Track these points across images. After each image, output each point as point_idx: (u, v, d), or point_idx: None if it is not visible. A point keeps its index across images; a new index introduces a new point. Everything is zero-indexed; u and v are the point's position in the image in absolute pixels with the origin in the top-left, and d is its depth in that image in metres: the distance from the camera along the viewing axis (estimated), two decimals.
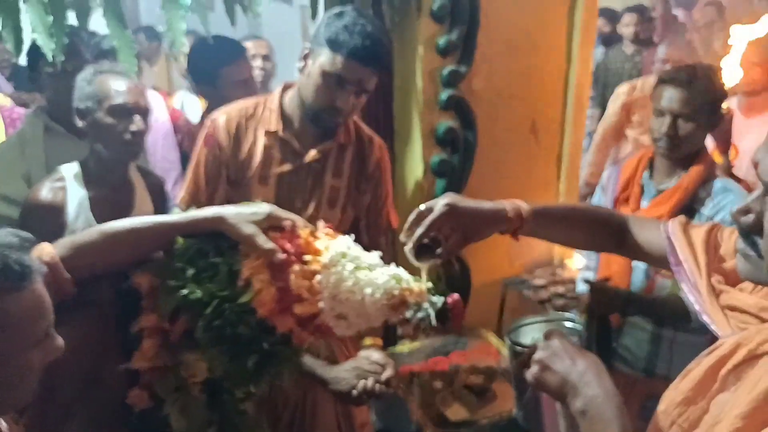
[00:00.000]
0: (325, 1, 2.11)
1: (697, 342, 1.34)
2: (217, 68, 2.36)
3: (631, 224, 1.19)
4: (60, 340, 0.84)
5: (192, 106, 3.17)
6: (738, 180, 1.91)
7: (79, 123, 1.70)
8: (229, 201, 1.64)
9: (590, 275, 1.98)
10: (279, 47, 3.35)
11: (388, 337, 2.05)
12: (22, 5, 1.60)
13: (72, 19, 1.68)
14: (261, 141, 1.61)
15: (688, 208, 1.74)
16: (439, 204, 1.04)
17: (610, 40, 4.68)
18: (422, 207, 1.06)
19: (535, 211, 1.12)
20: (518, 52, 2.46)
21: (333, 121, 1.57)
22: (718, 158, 2.18)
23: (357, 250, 1.10)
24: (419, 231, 1.03)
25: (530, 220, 1.11)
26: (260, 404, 1.75)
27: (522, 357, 0.98)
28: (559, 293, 2.53)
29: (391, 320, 1.07)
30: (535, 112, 2.59)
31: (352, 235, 1.14)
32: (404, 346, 2.42)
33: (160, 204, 1.91)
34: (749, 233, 0.77)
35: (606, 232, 1.20)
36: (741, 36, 2.37)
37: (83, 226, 1.69)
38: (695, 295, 1.00)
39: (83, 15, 1.71)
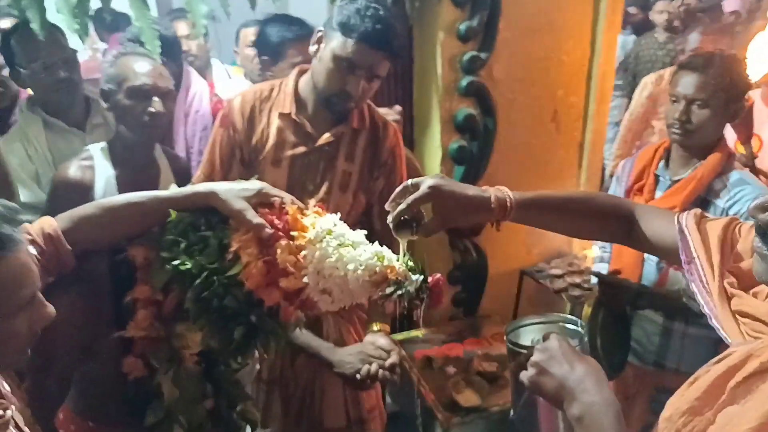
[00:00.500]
0: None
1: (709, 336, 1.31)
2: (283, 46, 2.34)
3: (640, 214, 1.15)
4: (50, 308, 0.86)
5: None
6: (759, 173, 1.87)
7: (104, 104, 1.73)
8: None
9: (604, 267, 1.96)
10: None
11: (402, 322, 2.06)
12: None
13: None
14: (275, 123, 1.62)
15: (703, 199, 1.71)
16: (424, 185, 1.05)
17: (641, 27, 4.56)
18: (409, 182, 1.07)
19: (521, 202, 1.09)
20: (540, 38, 2.43)
21: (344, 106, 1.58)
22: (740, 148, 2.13)
23: (343, 227, 1.13)
24: (401, 207, 1.04)
25: (516, 210, 1.08)
26: (272, 385, 1.80)
27: (520, 358, 0.97)
28: (576, 283, 2.51)
29: (373, 297, 1.09)
30: (557, 99, 2.56)
31: (338, 214, 1.17)
32: (419, 332, 2.44)
33: (185, 185, 1.92)
34: (767, 232, 0.74)
35: (610, 222, 1.16)
36: None
37: None
38: (705, 297, 0.95)
39: None
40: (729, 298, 0.91)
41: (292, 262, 1.07)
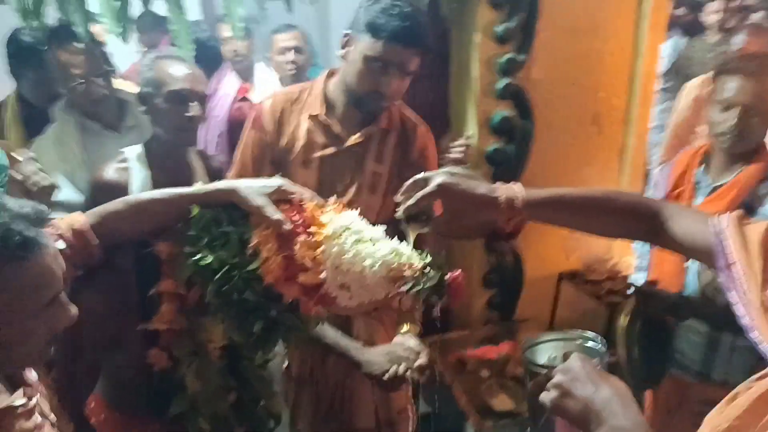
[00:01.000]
0: None
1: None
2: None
3: (668, 213, 1.09)
4: (73, 310, 0.88)
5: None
6: None
7: (141, 107, 1.78)
8: None
9: (642, 276, 1.90)
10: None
11: (435, 323, 2.04)
12: None
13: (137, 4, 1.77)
14: (304, 125, 1.64)
15: (747, 205, 1.63)
16: (434, 182, 1.04)
17: (692, 28, 4.42)
18: (420, 176, 1.08)
19: (533, 201, 1.06)
20: (581, 39, 2.39)
21: (377, 106, 1.58)
22: None
23: (361, 224, 1.13)
24: (409, 203, 1.05)
25: (527, 209, 1.05)
26: (302, 384, 1.81)
27: (539, 378, 0.94)
28: (614, 290, 2.45)
29: (391, 293, 1.09)
30: (598, 101, 2.51)
31: (358, 209, 1.18)
32: (454, 333, 2.43)
33: None
34: None
35: (633, 221, 1.11)
36: None
37: None
38: (744, 306, 0.88)
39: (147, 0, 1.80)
40: None
41: (311, 257, 1.09)
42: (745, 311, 0.87)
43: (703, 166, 1.77)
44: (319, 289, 1.10)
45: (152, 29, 3.23)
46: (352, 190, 1.65)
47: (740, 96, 1.62)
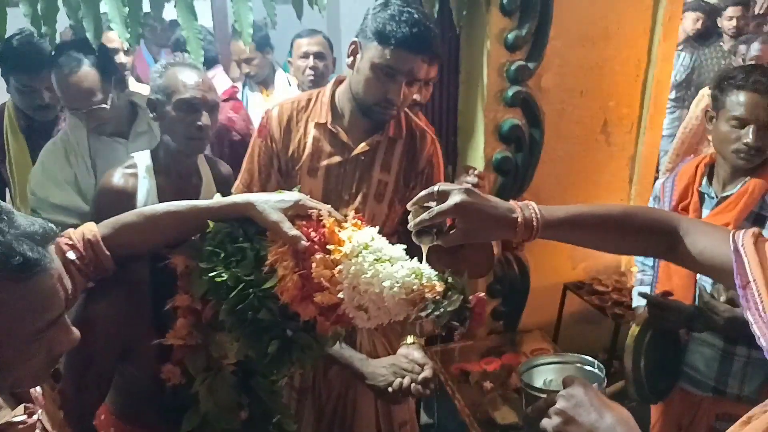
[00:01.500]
0: None
1: None
2: None
3: (687, 229, 1.06)
4: (74, 333, 0.85)
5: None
6: None
7: (150, 114, 1.76)
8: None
9: (645, 290, 1.87)
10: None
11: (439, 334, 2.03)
12: None
13: (147, 9, 1.75)
14: (311, 133, 1.62)
15: (757, 215, 1.61)
16: (452, 200, 1.01)
17: (706, 36, 4.38)
18: (436, 188, 1.03)
19: (550, 221, 1.03)
20: (593, 47, 2.36)
21: (386, 114, 1.55)
22: None
23: (381, 242, 1.08)
24: (423, 216, 1.01)
25: (545, 230, 1.03)
26: (304, 394, 1.80)
27: (539, 404, 0.92)
28: (620, 301, 2.43)
29: (411, 316, 1.04)
30: (608, 110, 2.48)
31: (377, 227, 1.13)
32: (457, 343, 2.41)
33: (227, 194, 1.94)
34: None
35: (652, 239, 1.09)
36: None
37: None
38: (762, 327, 0.86)
39: (158, 6, 1.78)
40: None
41: (327, 276, 1.04)
42: (762, 332, 0.86)
43: (705, 178, 1.74)
44: (337, 308, 1.06)
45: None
46: (358, 199, 1.63)
47: (755, 113, 1.58)
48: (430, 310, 1.01)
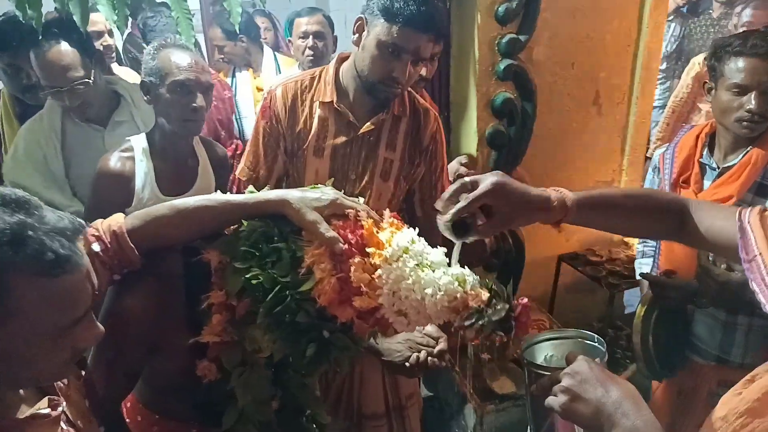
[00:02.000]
0: None
1: None
2: None
3: (694, 209, 1.08)
4: (98, 329, 0.84)
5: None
6: None
7: (144, 97, 1.74)
8: (287, 172, 1.67)
9: (647, 263, 1.88)
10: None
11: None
12: None
13: None
14: (316, 112, 1.61)
15: (760, 184, 1.59)
16: (487, 181, 0.97)
17: (696, 6, 4.36)
18: (467, 179, 0.99)
19: (579, 202, 1.03)
20: (583, 18, 2.36)
21: (391, 92, 1.54)
22: None
23: (421, 244, 1.04)
24: (461, 205, 0.96)
25: (575, 211, 1.03)
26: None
27: (542, 382, 0.92)
28: (615, 271, 2.46)
29: (454, 323, 1.01)
30: (599, 81, 2.49)
31: (417, 229, 1.09)
32: None
33: (223, 175, 1.94)
34: None
35: (666, 219, 1.10)
36: None
37: (149, 196, 1.76)
38: (767, 295, 0.87)
39: None
40: None
41: (366, 281, 1.01)
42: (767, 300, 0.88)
43: (706, 148, 1.73)
44: (375, 312, 1.03)
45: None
46: (365, 178, 1.63)
47: (756, 78, 1.55)
48: (474, 320, 0.98)
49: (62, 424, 0.86)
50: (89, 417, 0.96)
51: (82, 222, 0.81)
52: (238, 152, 3.22)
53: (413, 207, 1.76)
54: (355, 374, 1.81)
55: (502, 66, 2.25)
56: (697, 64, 3.18)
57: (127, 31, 3.34)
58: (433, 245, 1.06)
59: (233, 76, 3.33)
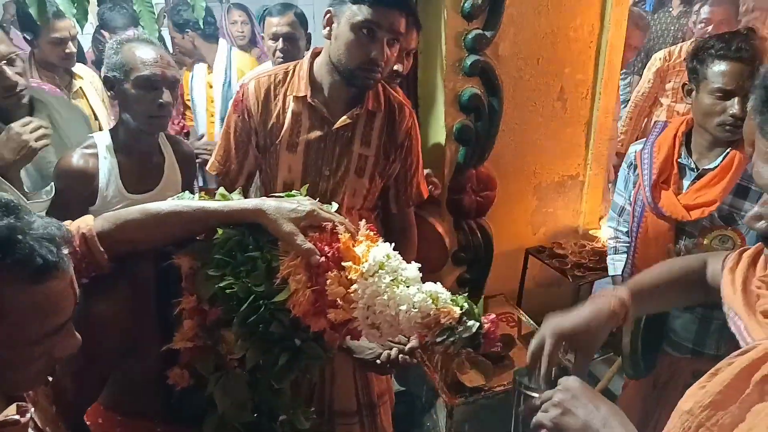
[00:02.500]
0: None
1: None
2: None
3: (708, 261, 1.20)
4: (76, 339, 0.83)
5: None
6: None
7: (108, 93, 1.70)
8: (259, 167, 1.65)
9: (621, 260, 1.88)
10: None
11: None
12: None
13: None
14: (290, 107, 1.59)
15: (742, 187, 1.59)
16: (547, 338, 1.05)
17: (660, 4, 4.47)
18: (532, 347, 1.07)
19: (633, 295, 1.13)
20: (547, 14, 2.38)
21: (371, 77, 1.53)
22: None
23: (396, 260, 1.07)
24: (543, 368, 1.04)
25: (635, 304, 1.12)
26: None
27: (533, 402, 0.98)
28: (581, 263, 2.50)
29: (427, 338, 1.04)
30: (563, 77, 2.52)
31: (392, 244, 1.11)
32: None
33: (189, 173, 1.91)
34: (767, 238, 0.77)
35: (697, 286, 1.20)
36: None
37: (114, 194, 1.72)
38: (737, 323, 0.99)
39: None
40: (756, 299, 0.95)
41: (342, 294, 1.03)
42: (736, 327, 0.99)
43: (684, 148, 1.72)
44: (348, 323, 1.05)
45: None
46: (339, 174, 1.62)
47: (739, 83, 1.53)
48: (445, 336, 1.02)
49: (30, 430, 0.84)
50: (57, 423, 0.94)
51: (69, 229, 0.80)
52: (184, 131, 3.21)
53: (388, 203, 1.76)
54: (326, 372, 1.80)
55: (468, 62, 2.26)
56: (657, 59, 3.25)
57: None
58: (407, 240, 1.08)
59: (192, 69, 3.33)
